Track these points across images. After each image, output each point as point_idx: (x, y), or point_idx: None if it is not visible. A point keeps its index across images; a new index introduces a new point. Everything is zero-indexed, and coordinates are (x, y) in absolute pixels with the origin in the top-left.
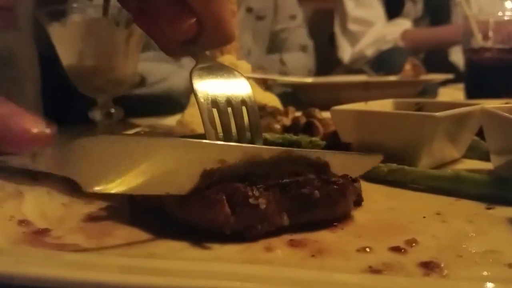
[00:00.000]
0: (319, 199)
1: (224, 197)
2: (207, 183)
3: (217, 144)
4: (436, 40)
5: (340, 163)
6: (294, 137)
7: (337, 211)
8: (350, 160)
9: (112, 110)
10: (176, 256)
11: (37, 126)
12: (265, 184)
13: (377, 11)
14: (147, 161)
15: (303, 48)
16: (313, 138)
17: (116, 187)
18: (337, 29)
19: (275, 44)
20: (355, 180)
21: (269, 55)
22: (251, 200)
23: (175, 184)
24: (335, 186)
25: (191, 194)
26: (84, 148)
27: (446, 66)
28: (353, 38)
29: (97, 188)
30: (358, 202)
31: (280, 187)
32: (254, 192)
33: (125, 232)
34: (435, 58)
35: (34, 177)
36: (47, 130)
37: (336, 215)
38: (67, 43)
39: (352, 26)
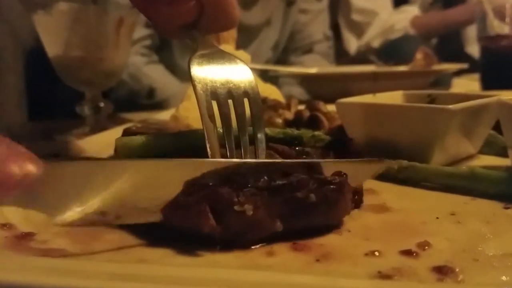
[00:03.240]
0: (316, 203)
1: (207, 208)
2: (189, 191)
3: (191, 161)
4: (448, 22)
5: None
6: (295, 132)
7: (336, 213)
8: (348, 169)
9: (101, 104)
10: (169, 262)
11: (25, 168)
12: (253, 187)
13: (382, 0)
14: (113, 187)
15: (327, 39)
16: (316, 132)
17: (81, 217)
18: (341, 20)
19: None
20: None
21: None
22: (236, 207)
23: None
24: (332, 186)
25: (174, 203)
26: (50, 176)
27: (461, 57)
28: (358, 29)
29: (60, 219)
30: (357, 203)
31: (270, 191)
32: (240, 198)
33: (114, 237)
34: (449, 48)
35: None
36: (36, 170)
37: (336, 217)
38: (53, 32)
39: (356, 17)
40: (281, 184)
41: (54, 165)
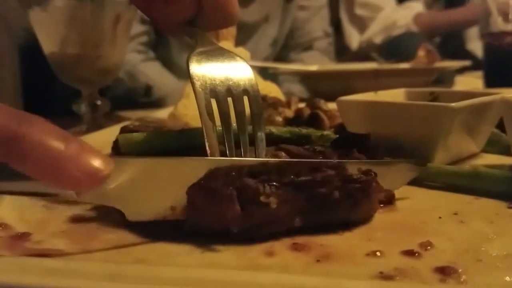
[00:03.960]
0: (339, 200)
1: (234, 193)
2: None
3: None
4: (452, 23)
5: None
6: (304, 131)
7: (360, 212)
8: (390, 172)
9: (98, 102)
10: (168, 262)
11: (97, 164)
12: (278, 181)
13: None
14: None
15: (327, 35)
16: (325, 132)
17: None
18: (343, 15)
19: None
20: None
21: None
22: (262, 198)
23: None
24: (357, 185)
25: (197, 187)
26: (120, 173)
27: (462, 54)
28: (361, 24)
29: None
30: (389, 201)
31: (294, 186)
32: (266, 190)
33: (113, 236)
34: (450, 45)
35: (11, 176)
36: (107, 166)
37: (359, 216)
38: (49, 29)
39: (359, 11)
40: (306, 180)
41: (123, 162)
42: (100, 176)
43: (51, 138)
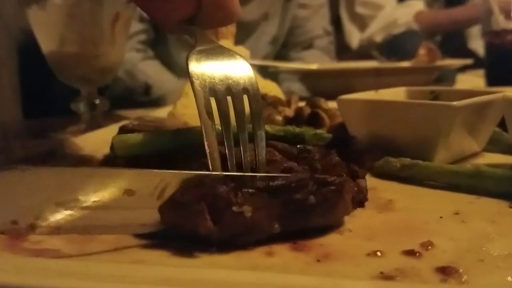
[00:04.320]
0: (315, 204)
1: (204, 207)
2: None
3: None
4: (453, 21)
5: None
6: (297, 130)
7: (335, 214)
8: None
9: (97, 101)
10: (166, 262)
11: None
12: (252, 187)
13: None
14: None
15: (328, 34)
16: (318, 131)
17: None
18: (343, 13)
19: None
20: (358, 176)
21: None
22: (234, 208)
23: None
24: (332, 187)
25: (171, 201)
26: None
27: (464, 53)
28: (361, 22)
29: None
30: (361, 202)
31: (269, 191)
32: (238, 199)
33: (110, 237)
34: (452, 44)
35: None
36: None
37: (335, 218)
38: (48, 28)
39: (360, 10)
40: (280, 185)
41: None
42: None
43: None
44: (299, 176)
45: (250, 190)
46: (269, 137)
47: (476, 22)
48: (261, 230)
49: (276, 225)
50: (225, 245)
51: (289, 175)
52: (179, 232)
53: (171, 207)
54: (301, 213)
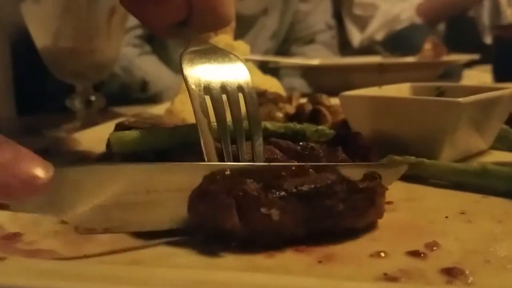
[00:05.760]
0: (344, 211)
1: (233, 202)
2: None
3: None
4: (452, 4)
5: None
6: (298, 126)
7: (366, 220)
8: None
9: (92, 98)
10: (164, 263)
11: (44, 170)
12: (282, 189)
13: None
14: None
15: (330, 28)
16: (320, 127)
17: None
18: (344, 12)
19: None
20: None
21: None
22: (263, 210)
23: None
24: (363, 195)
25: (201, 190)
26: (69, 182)
27: (479, 48)
28: (361, 23)
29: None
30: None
31: (298, 196)
32: (268, 200)
33: (107, 237)
34: (466, 39)
35: None
36: (45, 174)
37: (364, 223)
38: (42, 22)
39: (357, 11)
40: (311, 190)
41: (64, 170)
42: (37, 183)
43: None
44: (328, 181)
45: (281, 193)
46: (270, 134)
47: (476, 3)
48: (284, 232)
49: (300, 229)
50: (247, 243)
51: (318, 177)
52: (203, 224)
53: (199, 196)
54: (329, 219)
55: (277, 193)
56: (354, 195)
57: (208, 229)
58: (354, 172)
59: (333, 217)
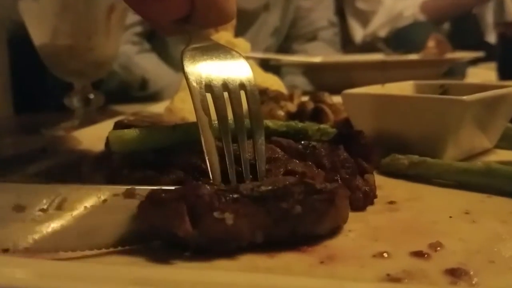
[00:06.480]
0: (301, 214)
1: (185, 208)
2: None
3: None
4: (459, 4)
5: None
6: (300, 125)
7: (325, 224)
8: None
9: (91, 96)
10: (163, 264)
11: None
12: (236, 192)
13: None
14: None
15: (333, 25)
16: (322, 126)
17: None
18: (346, 7)
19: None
20: (366, 171)
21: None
22: (215, 214)
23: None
24: (321, 196)
25: (151, 197)
26: None
27: (481, 46)
28: (363, 18)
29: None
30: (370, 199)
31: (253, 198)
32: (221, 204)
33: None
34: (468, 37)
35: (2, 173)
36: None
37: (325, 228)
38: (40, 20)
39: (360, 5)
40: (265, 192)
41: None
42: None
43: None
44: (286, 183)
45: (234, 196)
46: (271, 132)
47: (481, 3)
48: (242, 238)
49: (259, 235)
50: (201, 250)
51: (275, 180)
52: (156, 234)
53: (150, 204)
54: (287, 223)
55: (231, 195)
56: (311, 196)
57: (162, 238)
58: None
59: (291, 221)
